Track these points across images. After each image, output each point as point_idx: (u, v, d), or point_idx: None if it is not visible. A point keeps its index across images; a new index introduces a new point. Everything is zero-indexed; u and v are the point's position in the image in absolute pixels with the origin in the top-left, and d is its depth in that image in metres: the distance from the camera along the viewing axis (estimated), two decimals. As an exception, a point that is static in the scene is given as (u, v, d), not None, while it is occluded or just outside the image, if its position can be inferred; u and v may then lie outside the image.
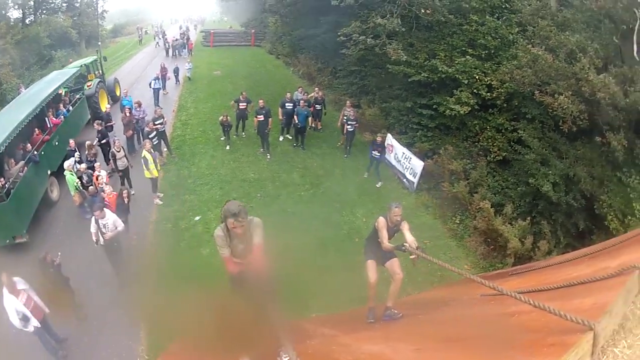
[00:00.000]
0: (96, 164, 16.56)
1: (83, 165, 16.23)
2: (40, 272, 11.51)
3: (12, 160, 15.78)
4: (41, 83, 20.20)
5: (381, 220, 7.92)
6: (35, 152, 16.34)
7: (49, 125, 18.34)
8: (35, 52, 37.53)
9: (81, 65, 24.03)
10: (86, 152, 17.27)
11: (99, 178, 15.68)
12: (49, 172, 16.72)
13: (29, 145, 16.53)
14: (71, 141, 17.75)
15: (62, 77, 21.09)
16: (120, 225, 12.44)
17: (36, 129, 17.75)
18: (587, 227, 16.55)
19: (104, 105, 24.31)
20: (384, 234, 7.81)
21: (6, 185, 14.54)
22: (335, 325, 8.40)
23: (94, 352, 11.28)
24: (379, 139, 19.95)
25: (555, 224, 16.80)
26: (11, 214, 14.19)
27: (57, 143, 18.15)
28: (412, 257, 7.03)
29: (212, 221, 16.25)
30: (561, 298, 4.96)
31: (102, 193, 14.69)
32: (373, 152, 19.73)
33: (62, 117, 19.74)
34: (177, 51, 40.95)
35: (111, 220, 12.13)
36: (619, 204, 15.80)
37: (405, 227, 7.84)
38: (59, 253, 12.53)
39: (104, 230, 11.90)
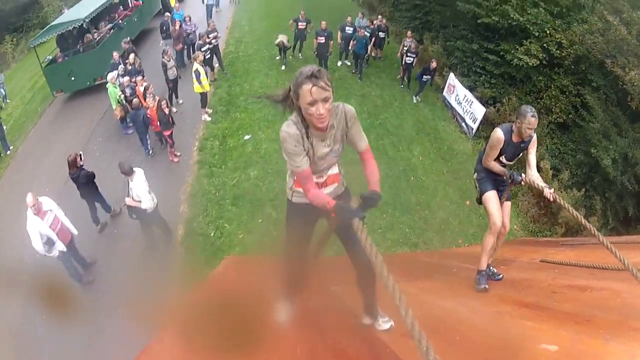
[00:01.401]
0: (139, 78, 16.00)
1: (126, 78, 15.85)
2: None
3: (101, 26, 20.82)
4: None
5: (498, 135, 5.94)
6: (120, 21, 21.48)
7: (130, 5, 23.81)
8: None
9: None
10: (131, 63, 16.98)
11: (148, 89, 15.07)
12: (128, 38, 19.07)
13: (116, 15, 22.12)
14: (115, 54, 17.27)
15: None
16: (146, 201, 10.50)
17: (121, 7, 23.27)
18: (635, 215, 16.37)
19: (173, 1, 27.04)
20: (493, 153, 6.06)
21: (96, 38, 19.50)
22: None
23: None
24: (433, 64, 19.80)
25: (607, 203, 16.57)
26: (97, 59, 18.82)
27: (135, 19, 23.22)
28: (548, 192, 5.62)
29: (262, 142, 16.09)
30: (625, 280, 4.86)
31: (153, 102, 14.40)
32: (424, 76, 19.90)
33: (141, 1, 24.45)
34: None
35: (136, 189, 10.45)
36: None
37: (533, 148, 6.05)
38: (80, 152, 12.26)
39: (130, 193, 10.61)
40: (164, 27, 20.70)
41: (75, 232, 10.39)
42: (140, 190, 10.30)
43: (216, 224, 12.74)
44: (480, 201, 6.56)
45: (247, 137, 16.38)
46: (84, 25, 18.82)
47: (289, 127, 3.43)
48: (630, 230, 15.41)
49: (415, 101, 20.05)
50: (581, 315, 4.48)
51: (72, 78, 19.00)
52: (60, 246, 9.86)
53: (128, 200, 10.50)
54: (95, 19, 19.89)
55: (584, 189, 16.59)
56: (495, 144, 5.97)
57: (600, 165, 16.47)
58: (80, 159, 11.70)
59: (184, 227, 12.66)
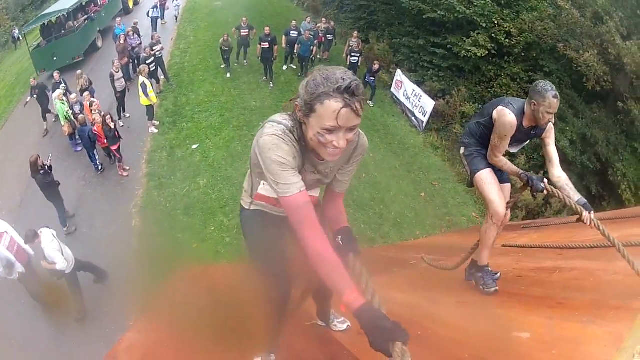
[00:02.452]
0: (86, 94, 15.78)
1: (72, 96, 15.72)
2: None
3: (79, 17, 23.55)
4: None
5: (510, 119, 4.40)
6: (93, 14, 24.49)
7: (99, 3, 26.15)
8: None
9: None
10: (77, 82, 16.76)
11: (92, 105, 14.87)
12: (98, 29, 24.43)
13: (89, 9, 24.76)
14: (56, 74, 17.52)
15: None
16: (60, 262, 9.51)
17: (92, 4, 25.40)
18: (598, 193, 16.68)
19: (132, 3, 30.55)
20: (504, 144, 4.55)
21: (75, 25, 22.52)
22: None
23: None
24: (376, 65, 19.68)
25: None
26: (76, 42, 22.35)
27: (103, 14, 25.89)
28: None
29: (210, 150, 16.02)
30: (596, 258, 4.82)
31: (99, 117, 14.09)
32: (369, 77, 19.65)
33: (107, 0, 27.17)
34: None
35: (47, 250, 9.47)
36: (633, 175, 16.12)
37: (551, 139, 4.71)
38: (50, 155, 12.46)
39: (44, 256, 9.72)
40: (155, 18, 24.22)
41: (31, 252, 9.88)
42: (51, 251, 9.49)
43: (169, 235, 12.36)
44: (471, 184, 5.05)
45: (194, 146, 16.23)
46: (67, 15, 22.40)
47: (281, 133, 2.34)
48: (595, 208, 15.43)
49: (371, 105, 19.94)
50: (553, 298, 4.24)
51: (55, 58, 21.91)
52: (19, 267, 9.51)
53: (43, 264, 9.69)
54: (74, 12, 22.90)
55: (541, 172, 16.56)
56: (508, 131, 4.45)
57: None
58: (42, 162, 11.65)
59: (137, 241, 12.31)
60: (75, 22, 23.18)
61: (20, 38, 25.73)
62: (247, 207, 3.03)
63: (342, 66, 2.37)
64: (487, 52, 19.32)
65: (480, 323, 4.23)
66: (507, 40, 19.19)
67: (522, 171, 4.54)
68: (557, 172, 4.63)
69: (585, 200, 4.41)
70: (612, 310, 3.51)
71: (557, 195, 4.34)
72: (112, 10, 27.71)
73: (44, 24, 22.90)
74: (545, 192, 4.38)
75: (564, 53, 17.41)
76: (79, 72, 17.11)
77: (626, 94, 16.58)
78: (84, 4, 24.36)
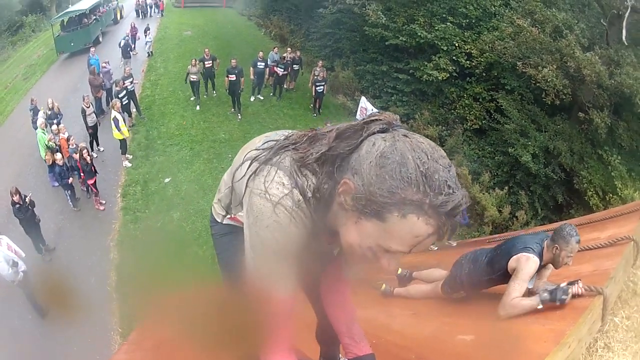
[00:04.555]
0: (61, 126, 15.97)
1: (54, 127, 15.82)
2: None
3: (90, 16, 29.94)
4: None
5: (536, 260, 4.06)
6: (99, 16, 31.62)
7: (101, 10, 32.75)
8: (6, 18, 36.49)
9: None
10: (50, 108, 17.05)
11: (70, 140, 15.10)
12: (100, 29, 31.26)
13: (96, 12, 31.44)
14: (33, 98, 18.42)
15: None
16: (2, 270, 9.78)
17: (98, 10, 32.06)
18: (565, 201, 17.04)
19: (119, 15, 37.45)
20: (523, 286, 4.00)
21: (87, 22, 29.14)
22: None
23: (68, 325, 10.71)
24: (321, 74, 20.40)
25: (533, 196, 17.14)
26: (88, 34, 28.85)
27: (104, 18, 32.95)
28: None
29: (182, 183, 16.17)
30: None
31: (74, 155, 14.32)
32: (317, 87, 20.38)
33: (105, 10, 34.04)
34: (145, 12, 40.26)
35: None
36: (599, 181, 16.37)
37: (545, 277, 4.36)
38: (30, 194, 12.66)
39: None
40: (126, 47, 24.67)
41: (23, 254, 10.45)
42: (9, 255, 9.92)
43: (146, 267, 12.59)
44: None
45: (167, 180, 16.37)
46: (83, 14, 29.05)
47: (292, 205, 1.51)
48: (563, 216, 15.87)
49: (314, 116, 20.55)
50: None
51: (72, 44, 28.59)
52: (22, 266, 10.02)
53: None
54: (88, 12, 29.66)
55: (507, 187, 17.02)
56: (533, 273, 4.08)
57: (521, 162, 17.01)
58: (20, 196, 11.95)
59: (115, 274, 12.53)
60: (87, 20, 29.67)
61: None
62: (220, 221, 2.36)
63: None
64: (448, 75, 19.73)
65: (428, 330, 4.60)
66: (468, 61, 19.72)
67: (541, 299, 3.76)
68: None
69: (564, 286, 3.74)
70: (558, 311, 3.68)
71: (582, 292, 3.67)
72: (109, 17, 35.16)
73: (63, 19, 29.71)
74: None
75: (522, 71, 17.83)
76: (50, 100, 17.30)
77: (588, 104, 17.04)
78: (95, 6, 31.18)
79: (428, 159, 1.31)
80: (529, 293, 4.04)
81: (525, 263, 4.00)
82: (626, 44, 17.05)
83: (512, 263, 4.10)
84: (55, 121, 16.28)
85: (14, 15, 36.54)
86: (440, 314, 4.94)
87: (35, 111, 17.26)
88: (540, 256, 4.08)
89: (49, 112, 16.85)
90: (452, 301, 4.96)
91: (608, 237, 4.97)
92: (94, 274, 11.81)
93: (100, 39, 31.21)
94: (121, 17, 38.33)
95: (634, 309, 4.45)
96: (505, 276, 4.15)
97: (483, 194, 16.24)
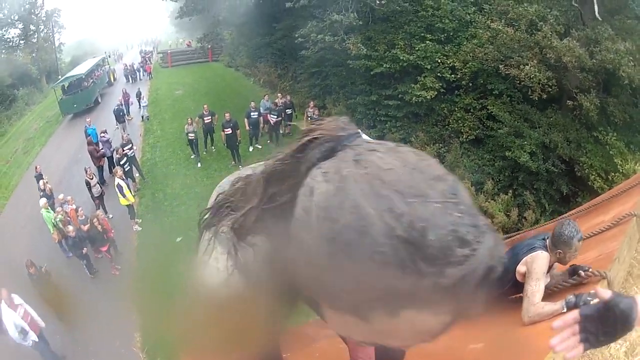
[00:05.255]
0: (68, 197, 16.29)
1: (58, 209, 16.00)
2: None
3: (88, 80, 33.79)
4: (88, 61, 38.82)
5: (545, 254, 3.97)
6: (96, 79, 35.92)
7: (96, 75, 36.54)
8: (-2, 93, 37.36)
9: (101, 60, 41.19)
10: (41, 189, 17.32)
11: (78, 210, 15.36)
12: (97, 90, 34.98)
13: (93, 75, 35.73)
14: (37, 166, 19.72)
15: (95, 61, 39.06)
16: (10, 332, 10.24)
17: (95, 73, 36.42)
18: (570, 191, 17.02)
19: (112, 78, 41.17)
20: (541, 285, 3.89)
21: (86, 85, 33.15)
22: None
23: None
24: (316, 111, 21.29)
25: (538, 193, 17.15)
26: (89, 95, 32.95)
27: (99, 81, 36.75)
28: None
29: (194, 240, 15.92)
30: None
31: (83, 227, 14.54)
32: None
33: (100, 73, 38.31)
34: (135, 75, 41.11)
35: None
36: (599, 163, 16.35)
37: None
38: (45, 265, 13.32)
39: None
40: (120, 112, 25.08)
41: (42, 324, 10.88)
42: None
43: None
44: None
45: (179, 239, 16.18)
46: (82, 77, 32.90)
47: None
48: (572, 206, 15.79)
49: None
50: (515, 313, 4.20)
51: (75, 105, 31.62)
52: (32, 336, 10.44)
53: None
54: (86, 76, 33.81)
55: (511, 191, 17.17)
56: (546, 268, 3.99)
57: (520, 163, 17.14)
58: (35, 268, 12.49)
59: (139, 334, 12.67)
60: (86, 83, 33.23)
61: None
62: None
63: (390, 146, 0.86)
64: (436, 92, 19.96)
65: (441, 341, 4.68)
66: (453, 75, 19.99)
67: (566, 302, 3.68)
68: None
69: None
70: (564, 298, 3.72)
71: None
72: (104, 79, 39.05)
73: (64, 84, 33.24)
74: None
75: (506, 73, 18.04)
76: (41, 182, 17.55)
77: (575, 90, 17.16)
78: (91, 71, 35.28)
79: (406, 199, 0.72)
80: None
81: (536, 261, 3.90)
82: (600, 19, 17.12)
83: (521, 268, 3.99)
84: (49, 202, 16.48)
85: (6, 90, 37.72)
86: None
87: (38, 178, 18.02)
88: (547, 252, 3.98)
89: (41, 194, 17.04)
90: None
91: (612, 218, 5.07)
92: (118, 337, 11.97)
93: (99, 100, 34.29)
94: (114, 79, 41.89)
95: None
96: (517, 286, 4.04)
97: (489, 202, 16.36)
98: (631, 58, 16.24)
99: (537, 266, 3.86)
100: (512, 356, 3.47)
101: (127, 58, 50.72)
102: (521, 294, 3.95)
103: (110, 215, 17.29)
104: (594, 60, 16.34)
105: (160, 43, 65.81)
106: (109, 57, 47.61)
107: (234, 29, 38.05)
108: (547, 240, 4.03)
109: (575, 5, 17.65)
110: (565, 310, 3.58)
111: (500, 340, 3.89)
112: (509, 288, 4.12)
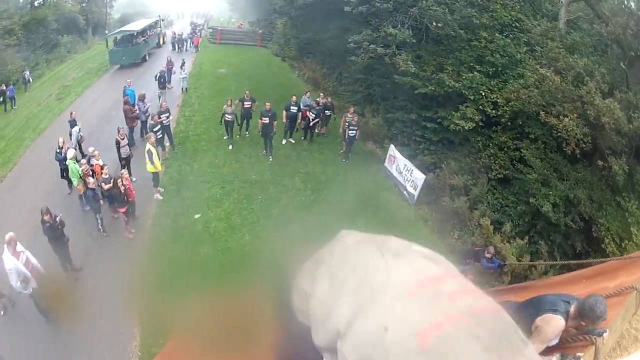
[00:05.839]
0: (96, 152, 16.39)
1: (83, 161, 16.06)
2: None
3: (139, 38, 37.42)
4: (142, 20, 42.73)
5: (561, 323, 4.04)
6: (147, 38, 39.34)
7: (148, 34, 39.98)
8: (42, 35, 37.88)
9: (154, 22, 44.32)
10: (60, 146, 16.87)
11: (104, 168, 15.30)
12: (147, 49, 39.01)
13: (145, 34, 39.12)
14: (73, 112, 20.19)
15: (149, 21, 42.41)
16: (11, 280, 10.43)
17: (146, 32, 39.71)
18: (583, 249, 16.80)
19: (162, 41, 44.82)
20: (540, 348, 4.00)
21: (138, 41, 36.71)
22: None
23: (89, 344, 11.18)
24: (353, 119, 20.88)
25: (553, 245, 17.06)
26: (138, 50, 36.54)
27: (149, 41, 40.39)
28: None
29: (212, 220, 16.29)
30: None
31: (104, 185, 14.61)
32: (350, 131, 20.85)
33: (152, 34, 41.59)
34: (182, 45, 41.99)
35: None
36: (616, 228, 16.09)
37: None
38: (60, 214, 13.05)
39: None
40: (161, 79, 25.87)
41: (42, 271, 11.01)
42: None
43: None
44: None
45: (197, 215, 16.53)
46: (135, 34, 36.58)
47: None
48: (583, 264, 15.76)
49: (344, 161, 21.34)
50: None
51: (124, 57, 35.09)
52: (33, 284, 10.55)
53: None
54: (138, 33, 37.32)
55: (527, 237, 17.18)
56: (553, 337, 4.09)
57: (541, 212, 17.06)
58: (50, 215, 12.31)
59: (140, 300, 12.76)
60: (137, 40, 36.57)
61: (30, 80, 31.94)
62: None
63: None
64: (474, 124, 20.00)
65: None
66: (494, 110, 19.98)
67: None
68: None
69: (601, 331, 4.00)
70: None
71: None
72: (154, 40, 42.25)
73: (117, 37, 37.29)
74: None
75: (545, 120, 17.95)
76: (60, 139, 17.00)
77: (607, 151, 17.03)
78: (143, 30, 38.57)
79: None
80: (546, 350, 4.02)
81: (551, 324, 3.94)
82: (644, 85, 16.96)
83: (537, 321, 4.00)
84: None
85: (49, 33, 38.61)
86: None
87: (72, 124, 18.54)
88: (566, 319, 4.01)
89: (71, 144, 17.47)
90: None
91: (615, 286, 5.07)
92: (117, 298, 12.03)
93: (147, 58, 38.09)
94: (164, 42, 45.22)
95: (632, 355, 4.83)
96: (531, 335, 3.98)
97: (504, 243, 16.39)
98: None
99: (549, 330, 3.92)
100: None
101: (177, 26, 51.36)
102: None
103: (134, 179, 17.39)
104: (631, 126, 16.30)
105: (212, 18, 66.16)
106: (162, 20, 49.79)
107: (288, 19, 38.17)
108: (572, 307, 4.04)
109: (623, 67, 17.52)
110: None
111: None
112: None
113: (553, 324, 3.91)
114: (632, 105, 16.61)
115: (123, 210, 14.82)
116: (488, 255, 13.93)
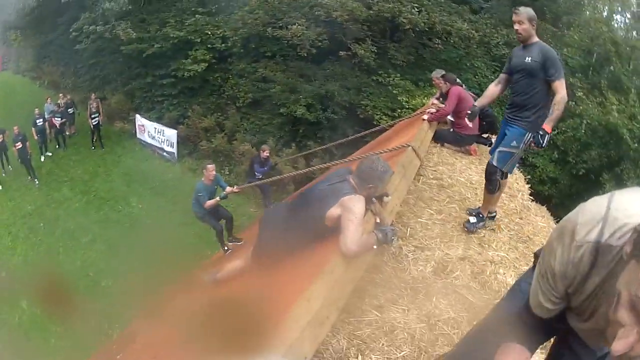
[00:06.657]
0: None
1: None
2: None
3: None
4: None
5: (360, 201, 3.74)
6: None
7: None
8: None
9: None
10: None
11: None
12: None
13: None
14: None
15: None
16: None
17: None
18: (357, 132, 17.70)
19: None
20: (359, 230, 3.61)
21: None
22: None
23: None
24: (94, 104, 20.74)
25: (324, 141, 17.56)
26: None
27: None
28: None
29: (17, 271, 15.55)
30: None
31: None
32: (92, 120, 20.64)
33: None
34: None
35: None
36: (384, 103, 17.46)
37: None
38: None
39: None
40: None
41: None
42: None
43: None
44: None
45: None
46: None
47: None
48: (360, 145, 16.07)
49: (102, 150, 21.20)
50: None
51: None
52: None
53: None
54: None
55: (294, 143, 18.45)
56: (363, 215, 3.79)
57: (296, 116, 18.28)
58: None
59: None
60: None
61: None
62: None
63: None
64: (207, 64, 20.41)
65: None
66: (224, 44, 20.41)
67: (377, 238, 3.61)
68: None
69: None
70: None
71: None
72: None
73: None
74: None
75: (273, 35, 18.78)
76: None
77: (350, 41, 18.46)
78: None
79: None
80: None
81: (356, 204, 3.65)
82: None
83: (333, 212, 3.71)
84: None
85: None
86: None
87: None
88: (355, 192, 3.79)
89: None
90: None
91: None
92: None
93: None
94: None
95: (445, 201, 5.48)
96: (325, 231, 3.81)
97: (273, 157, 17.01)
98: (415, 5, 17.75)
99: (358, 210, 3.62)
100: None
101: None
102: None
103: None
104: (371, 11, 17.44)
105: None
106: None
107: (20, 31, 36.13)
108: (351, 179, 3.87)
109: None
110: (376, 247, 3.58)
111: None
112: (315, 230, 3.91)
113: (357, 204, 3.65)
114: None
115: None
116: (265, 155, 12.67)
